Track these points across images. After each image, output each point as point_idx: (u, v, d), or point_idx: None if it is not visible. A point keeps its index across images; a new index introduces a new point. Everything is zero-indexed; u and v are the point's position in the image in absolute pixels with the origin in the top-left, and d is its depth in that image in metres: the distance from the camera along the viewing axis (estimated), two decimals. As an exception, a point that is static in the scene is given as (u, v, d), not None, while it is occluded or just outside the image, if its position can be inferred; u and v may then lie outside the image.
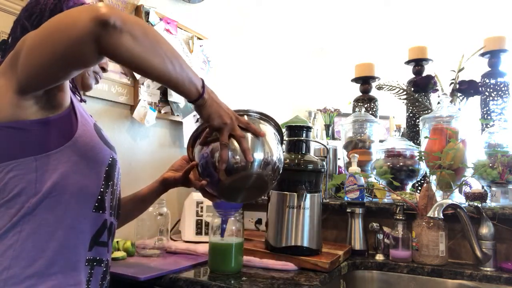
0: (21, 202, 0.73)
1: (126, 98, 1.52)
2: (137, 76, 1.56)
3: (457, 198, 1.50)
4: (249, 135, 0.87)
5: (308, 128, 1.33)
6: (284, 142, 1.32)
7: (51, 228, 0.74)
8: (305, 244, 1.24)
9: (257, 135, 0.88)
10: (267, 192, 1.25)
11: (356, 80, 2.02)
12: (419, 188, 1.76)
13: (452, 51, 2.17)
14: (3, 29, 1.15)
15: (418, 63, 1.89)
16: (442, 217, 1.19)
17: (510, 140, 1.45)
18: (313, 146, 1.86)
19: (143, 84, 1.58)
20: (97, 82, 0.97)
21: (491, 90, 1.71)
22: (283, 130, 1.10)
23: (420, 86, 1.77)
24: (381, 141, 1.84)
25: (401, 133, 2.04)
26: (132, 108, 1.55)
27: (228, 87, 2.17)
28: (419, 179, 1.71)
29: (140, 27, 0.68)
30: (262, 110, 0.97)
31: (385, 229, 1.41)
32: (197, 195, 1.49)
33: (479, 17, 3.38)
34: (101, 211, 0.83)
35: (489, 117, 1.70)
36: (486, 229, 1.26)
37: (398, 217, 1.36)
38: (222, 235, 1.14)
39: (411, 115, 1.89)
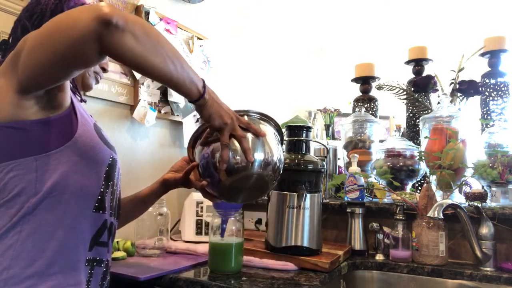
0: (21, 202, 0.72)
1: (126, 98, 1.52)
2: (137, 76, 1.56)
3: (457, 198, 1.50)
4: (250, 135, 0.87)
5: (308, 128, 1.33)
6: (284, 142, 1.32)
7: (51, 228, 0.74)
8: (305, 244, 1.24)
9: (258, 135, 0.88)
10: (268, 192, 1.25)
11: (356, 80, 2.02)
12: (419, 188, 1.76)
13: (452, 51, 2.17)
14: (3, 29, 1.14)
15: (418, 63, 1.89)
16: (442, 217, 1.19)
17: (510, 140, 1.45)
18: (313, 146, 1.86)
19: (143, 84, 1.58)
20: (97, 82, 0.97)
21: (491, 90, 1.71)
22: (283, 130, 1.10)
23: (420, 86, 1.77)
24: (381, 141, 1.84)
25: (401, 133, 2.04)
26: (132, 108, 1.55)
27: (228, 87, 2.17)
28: (419, 179, 1.71)
29: (142, 27, 0.68)
30: (262, 110, 0.98)
31: (385, 229, 1.41)
32: (197, 195, 1.49)
33: (479, 17, 3.38)
34: (101, 211, 0.83)
35: (489, 117, 1.70)
36: (486, 229, 1.26)
37: (398, 217, 1.36)
38: (222, 235, 1.13)
39: (411, 115, 1.89)
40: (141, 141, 1.62)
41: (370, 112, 1.93)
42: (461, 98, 1.74)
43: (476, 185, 1.68)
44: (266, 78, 2.83)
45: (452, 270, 1.26)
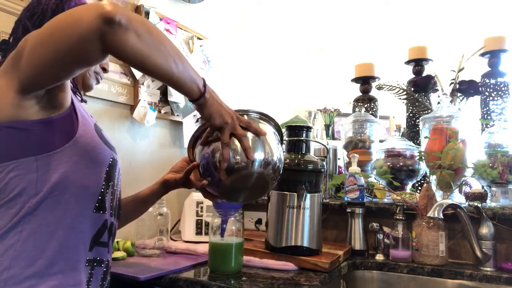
0: (22, 202, 0.72)
1: (126, 98, 1.52)
2: (137, 76, 1.56)
3: (457, 198, 1.50)
4: (250, 135, 0.87)
5: (308, 128, 1.33)
6: (284, 142, 1.32)
7: (51, 228, 0.74)
8: (305, 244, 1.24)
9: (258, 134, 0.88)
10: (268, 192, 1.25)
11: (356, 80, 2.02)
12: (419, 188, 1.76)
13: (452, 51, 2.17)
14: (3, 29, 1.14)
15: (418, 63, 1.89)
16: (442, 217, 1.19)
17: (510, 140, 1.45)
18: (313, 146, 1.86)
19: (143, 84, 1.58)
20: (98, 82, 0.97)
21: (491, 90, 1.71)
22: (283, 130, 1.10)
23: (420, 86, 1.78)
24: (381, 141, 1.84)
25: (401, 133, 2.04)
26: (132, 108, 1.55)
27: (228, 87, 2.17)
28: (419, 179, 1.71)
29: (145, 26, 0.68)
30: (262, 110, 0.98)
31: (385, 229, 1.41)
32: (197, 195, 1.49)
33: (479, 17, 3.38)
34: (101, 212, 0.83)
35: (489, 117, 1.70)
36: (486, 229, 1.27)
37: (398, 217, 1.36)
38: (222, 235, 1.13)
39: (411, 115, 1.89)
40: (141, 141, 1.62)
41: (370, 112, 1.93)
42: (461, 98, 1.74)
43: (476, 185, 1.68)
44: (266, 78, 2.83)
45: (452, 270, 1.26)
